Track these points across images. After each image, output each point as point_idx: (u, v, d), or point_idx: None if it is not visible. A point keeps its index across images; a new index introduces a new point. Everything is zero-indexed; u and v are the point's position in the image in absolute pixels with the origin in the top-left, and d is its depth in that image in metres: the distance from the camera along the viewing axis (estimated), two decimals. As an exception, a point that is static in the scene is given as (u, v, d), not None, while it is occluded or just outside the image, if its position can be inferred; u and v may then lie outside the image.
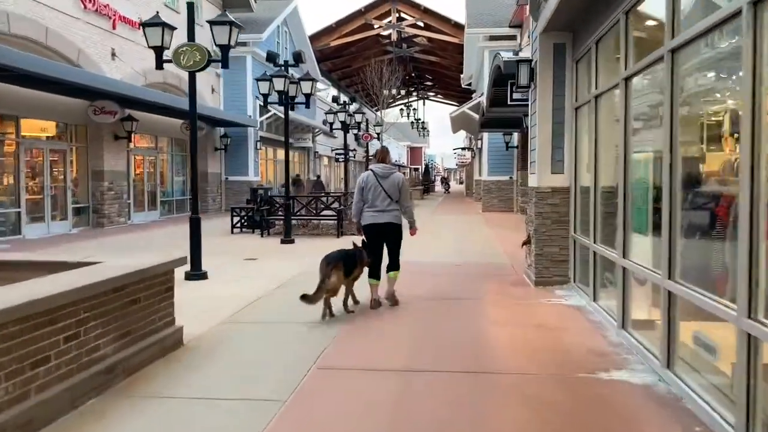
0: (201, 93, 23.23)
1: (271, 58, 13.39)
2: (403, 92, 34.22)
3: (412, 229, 7.03)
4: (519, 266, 9.66)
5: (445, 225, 17.97)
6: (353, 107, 21.80)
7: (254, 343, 5.54)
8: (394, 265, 6.79)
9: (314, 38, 34.21)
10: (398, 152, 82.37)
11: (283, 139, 29.84)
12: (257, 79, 13.40)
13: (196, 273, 8.75)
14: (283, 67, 13.30)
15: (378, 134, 24.96)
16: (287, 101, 13.58)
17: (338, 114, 19.25)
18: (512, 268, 9.71)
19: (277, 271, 9.66)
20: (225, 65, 8.95)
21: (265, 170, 28.79)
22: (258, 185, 19.72)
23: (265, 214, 15.22)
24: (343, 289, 6.45)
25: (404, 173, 72.56)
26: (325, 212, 15.87)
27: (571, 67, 7.90)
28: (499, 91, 14.88)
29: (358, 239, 6.94)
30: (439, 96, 60.16)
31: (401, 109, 49.71)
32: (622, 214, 5.57)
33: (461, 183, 79.54)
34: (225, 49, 8.77)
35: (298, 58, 13.40)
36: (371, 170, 6.70)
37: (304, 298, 5.90)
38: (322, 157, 40.72)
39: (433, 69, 46.32)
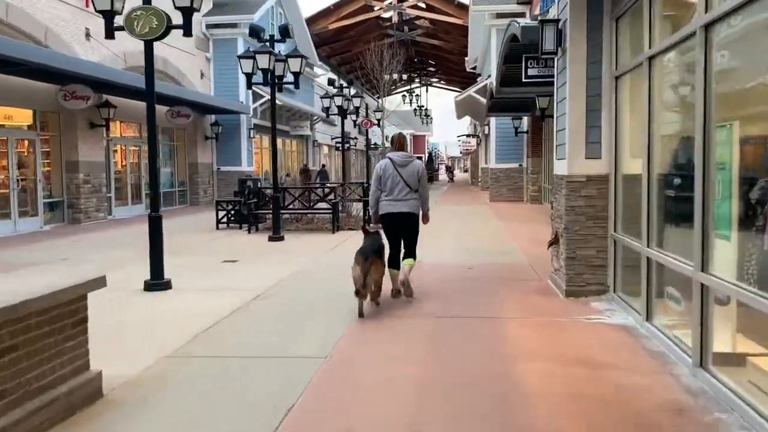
0: (188, 77, 21.78)
1: (255, 32, 11.88)
2: (405, 77, 32.66)
3: (425, 218, 6.83)
4: (540, 268, 8.22)
5: (452, 217, 16.49)
6: (351, 91, 20.32)
7: (205, 396, 4.09)
8: (410, 254, 6.64)
9: (311, 21, 32.60)
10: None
11: (279, 126, 28.40)
12: (239, 57, 11.92)
13: (157, 282, 7.33)
14: (268, 43, 11.80)
15: (378, 121, 23.48)
16: (273, 81, 12.12)
17: (335, 99, 17.80)
18: (533, 271, 8.26)
19: (257, 276, 8.24)
20: (188, 32, 7.48)
21: (260, 160, 27.34)
22: (247, 176, 18.30)
23: (252, 207, 13.78)
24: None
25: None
26: (321, 205, 14.46)
27: (610, 26, 6.40)
28: (511, 68, 13.37)
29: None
30: (442, 82, 58.49)
31: (403, 96, 48.05)
32: (700, 210, 4.10)
33: (465, 171, 77.95)
34: (187, 13, 7.29)
35: (285, 31, 11.88)
36: (389, 158, 6.50)
37: (357, 294, 5.84)
38: (322, 145, 39.22)
39: (436, 53, 44.65)
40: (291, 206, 14.19)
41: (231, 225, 14.60)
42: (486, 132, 24.64)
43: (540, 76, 11.72)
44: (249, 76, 11.97)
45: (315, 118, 33.73)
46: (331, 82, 18.88)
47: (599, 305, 6.23)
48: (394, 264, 6.62)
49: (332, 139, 40.11)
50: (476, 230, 13.55)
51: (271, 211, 13.80)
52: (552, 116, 15.77)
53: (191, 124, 22.46)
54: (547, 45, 6.88)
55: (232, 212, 14.62)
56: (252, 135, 24.39)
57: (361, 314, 5.84)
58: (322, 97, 18.49)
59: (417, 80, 56.88)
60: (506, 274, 8.17)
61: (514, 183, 22.85)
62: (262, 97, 24.51)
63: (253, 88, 24.40)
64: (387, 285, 6.56)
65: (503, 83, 14.26)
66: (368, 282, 5.85)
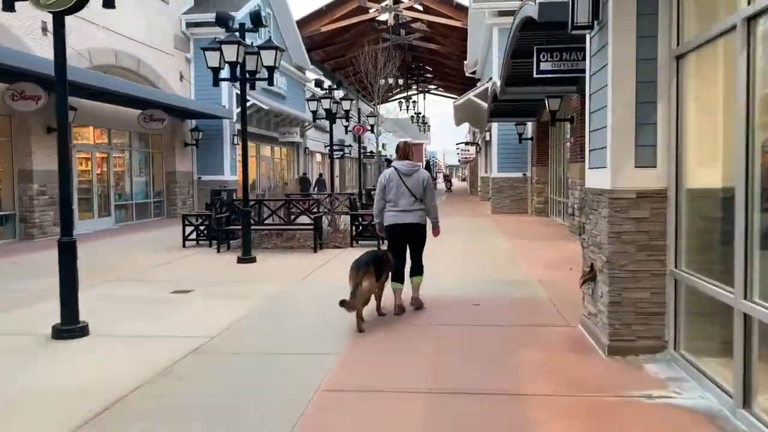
0: (166, 79, 20.11)
1: (223, 20, 10.21)
2: (401, 82, 31.09)
3: (435, 230, 6.70)
4: (566, 307, 6.50)
5: (451, 232, 14.73)
6: (339, 93, 18.72)
7: None
8: (417, 269, 6.53)
9: (303, 23, 31.01)
10: (398, 149, 79.27)
11: (266, 133, 26.68)
12: (204, 49, 10.21)
13: (68, 329, 5.60)
14: (238, 33, 10.12)
15: (372, 126, 21.84)
16: (244, 77, 10.42)
17: (322, 101, 16.15)
18: (556, 311, 6.53)
19: (208, 314, 6.52)
20: (109, 4, 5.78)
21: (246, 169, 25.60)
22: (221, 186, 16.57)
23: (223, 222, 12.06)
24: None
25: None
26: (306, 218, 12.74)
27: (669, -12, 4.72)
28: (519, 65, 11.72)
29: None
30: (440, 89, 56.98)
31: (400, 102, 46.47)
32: None
33: (463, 180, 76.32)
34: (108, -23, 5.59)
35: (257, 19, 10.20)
36: (394, 168, 6.35)
37: (342, 304, 5.58)
38: (314, 153, 37.56)
39: (433, 59, 43.12)
40: (269, 220, 12.48)
41: (201, 242, 12.87)
42: (487, 139, 23.01)
43: (554, 71, 10.05)
44: (216, 71, 10.27)
45: (306, 124, 32.05)
46: (318, 84, 17.20)
47: (657, 370, 4.51)
48: (399, 278, 6.41)
49: (325, 146, 38.40)
50: (479, 249, 11.83)
51: (258, 226, 12.12)
52: (563, 120, 14.15)
53: (169, 130, 20.78)
54: (579, 17, 5.19)
55: (203, 228, 12.89)
56: (236, 141, 22.68)
57: (360, 330, 5.70)
58: (308, 100, 16.81)
59: (414, 87, 55.43)
60: (523, 315, 6.44)
61: (517, 194, 21.16)
62: (247, 100, 22.80)
63: (238, 91, 22.82)
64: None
65: (509, 82, 12.59)
66: (357, 294, 5.63)
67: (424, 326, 5.96)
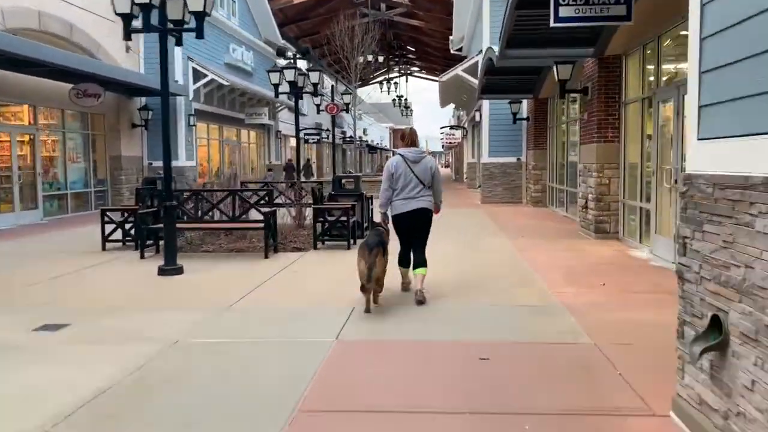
0: (107, 49, 17.33)
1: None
2: (381, 60, 28.47)
3: (436, 210, 6.39)
4: (625, 359, 4.10)
5: (439, 229, 12.34)
6: (305, 64, 16.24)
7: None
8: (421, 261, 6.24)
9: (273, -6, 28.26)
10: (380, 134, 76.73)
11: (230, 113, 23.94)
12: (108, -12, 7.62)
13: None
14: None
15: (347, 105, 19.27)
16: (165, 26, 7.85)
17: (285, 72, 13.61)
18: (617, 375, 4.06)
19: (46, 387, 4.01)
20: None
21: (207, 154, 22.95)
22: (157, 173, 13.95)
23: (150, 220, 9.50)
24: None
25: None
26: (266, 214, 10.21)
27: None
28: (525, 21, 9.28)
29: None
30: (423, 72, 54.41)
31: (380, 83, 43.86)
32: None
33: (447, 166, 73.86)
34: None
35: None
36: (401, 155, 6.13)
37: (363, 290, 5.60)
38: (288, 137, 34.84)
39: (416, 37, 40.51)
40: (212, 217, 9.94)
41: (129, 243, 10.31)
42: (476, 119, 20.58)
43: (578, 18, 7.60)
44: (127, 19, 7.69)
45: (279, 105, 29.38)
46: (281, 53, 14.59)
47: None
48: (404, 262, 6.43)
49: (301, 130, 35.77)
50: (476, 254, 9.40)
51: (189, 224, 9.60)
52: (575, 91, 11.67)
53: (112, 109, 18.06)
54: None
55: (130, 226, 10.31)
56: (193, 122, 20.00)
57: (368, 310, 5.66)
58: (269, 71, 14.22)
59: (396, 69, 52.80)
60: (564, 384, 3.97)
61: (510, 181, 18.77)
62: (205, 76, 20.15)
63: (194, 65, 20.12)
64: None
65: (511, 43, 10.11)
66: (372, 275, 5.49)
67: (401, 407, 3.52)
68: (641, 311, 5.62)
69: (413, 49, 46.27)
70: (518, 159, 18.66)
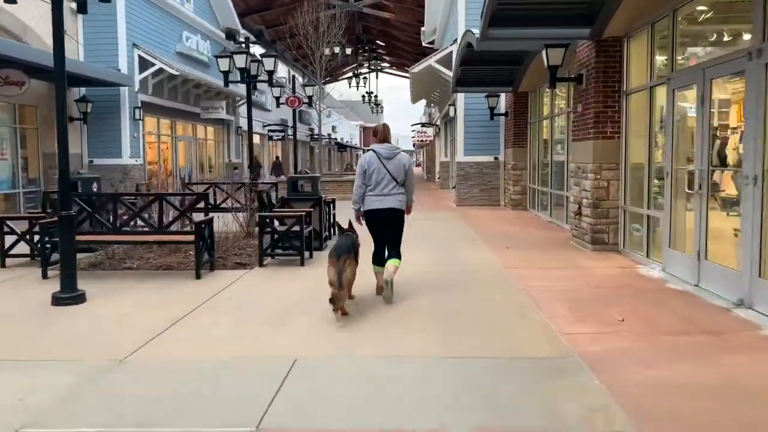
0: (38, 33, 15.33)
1: None
2: (349, 52, 26.77)
3: (408, 210, 6.28)
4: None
5: (409, 236, 10.81)
6: (258, 49, 14.55)
7: None
8: (395, 254, 6.16)
9: (233, -20, 26.33)
10: (350, 132, 74.97)
11: (183, 107, 22.01)
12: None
13: None
14: None
15: (310, 98, 17.53)
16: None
17: (235, 58, 11.86)
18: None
19: None
20: None
21: (158, 151, 21.00)
22: (77, 172, 12.04)
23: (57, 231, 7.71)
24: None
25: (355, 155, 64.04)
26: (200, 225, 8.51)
27: None
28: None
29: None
30: (394, 68, 52.87)
31: (349, 78, 42.22)
32: None
33: (417, 165, 72.36)
34: None
35: None
36: (373, 150, 6.09)
37: (332, 302, 5.21)
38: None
39: (386, 30, 38.96)
40: (133, 226, 8.19)
41: (36, 258, 8.50)
42: (451, 114, 19.08)
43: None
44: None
45: (239, 99, 27.52)
46: (230, 36, 12.79)
47: None
48: (379, 261, 6.26)
49: (265, 126, 33.96)
50: (455, 272, 7.85)
51: (96, 237, 7.86)
52: (567, 79, 10.06)
53: (46, 99, 16.07)
54: None
55: (36, 236, 8.50)
56: (139, 116, 18.08)
57: (344, 313, 5.40)
58: (217, 56, 12.47)
59: (366, 65, 51.13)
60: None
61: (487, 182, 17.30)
62: (152, 65, 18.25)
63: (141, 53, 18.21)
64: None
65: (495, 21, 8.59)
66: (342, 281, 5.28)
67: None
68: (686, 366, 4.13)
69: (383, 44, 44.75)
70: (496, 158, 17.21)
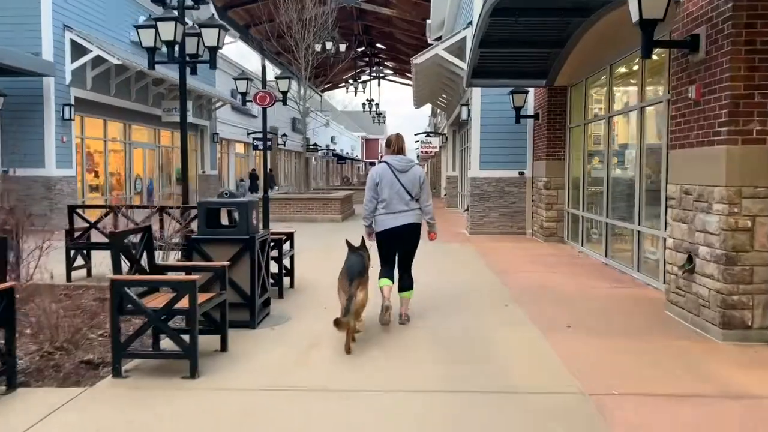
0: None
1: None
2: (343, 49, 23.11)
3: (432, 233, 5.82)
4: None
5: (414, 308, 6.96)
6: (196, 15, 10.85)
7: None
8: (407, 282, 5.73)
9: (210, -35, 22.68)
10: (351, 143, 71.44)
11: (139, 108, 18.08)
12: None
13: None
14: None
15: (285, 95, 13.75)
16: None
17: (160, 28, 8.16)
18: None
19: None
20: None
21: (104, 160, 17.21)
22: None
23: None
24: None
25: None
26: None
27: None
28: None
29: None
30: (396, 75, 49.28)
31: (347, 83, 38.60)
32: None
33: (422, 179, 68.11)
34: None
35: None
36: (386, 163, 5.64)
37: (337, 324, 4.72)
38: (232, 142, 29.28)
39: (387, 31, 35.39)
40: None
41: None
42: (464, 117, 15.26)
43: None
44: None
45: (216, 102, 23.84)
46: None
47: None
48: (389, 276, 5.70)
49: (249, 134, 30.23)
50: (490, 404, 3.97)
51: None
52: (674, 44, 5.77)
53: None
54: None
55: None
56: (70, 116, 14.33)
57: (348, 351, 4.84)
58: (137, 27, 8.78)
59: (367, 71, 47.57)
60: None
61: (510, 203, 13.44)
62: (88, 51, 14.52)
63: (74, 36, 14.49)
64: None
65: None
66: (351, 308, 4.83)
67: None
68: None
69: (384, 47, 41.19)
70: (521, 173, 13.35)
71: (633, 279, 8.01)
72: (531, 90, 12.76)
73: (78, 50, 14.46)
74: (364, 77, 47.37)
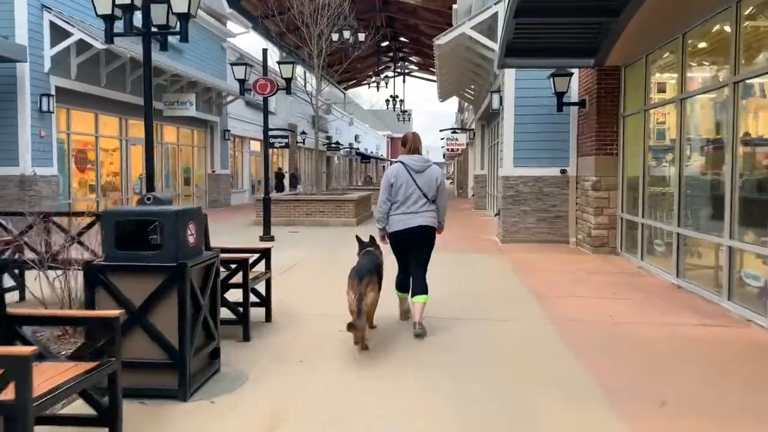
0: None
1: None
2: (362, 38, 21.28)
3: (440, 229, 5.53)
4: None
5: (415, 349, 5.14)
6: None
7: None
8: (421, 287, 5.32)
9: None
10: (376, 143, 69.72)
11: (138, 101, 16.62)
12: None
13: None
14: None
15: (288, 82, 11.87)
16: None
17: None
18: None
19: None
20: None
21: (96, 157, 15.63)
22: None
23: None
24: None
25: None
26: None
27: None
28: None
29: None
30: (420, 71, 47.32)
31: (369, 76, 36.80)
32: None
33: (448, 179, 65.92)
34: None
35: None
36: (402, 163, 5.37)
37: (351, 328, 4.45)
38: (246, 140, 27.68)
39: (413, 24, 33.52)
40: None
41: None
42: (495, 106, 13.25)
43: None
44: None
45: (226, 95, 22.21)
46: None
47: None
48: (404, 287, 5.60)
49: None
50: None
51: None
52: None
53: None
54: None
55: None
56: (48, 107, 12.75)
57: (365, 347, 4.64)
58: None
59: (392, 68, 45.70)
60: None
61: (550, 207, 11.44)
62: (70, 35, 12.93)
63: (53, 17, 12.90)
64: None
65: None
66: (363, 308, 4.55)
67: None
68: None
69: (408, 40, 39.32)
70: (563, 171, 11.35)
71: (724, 311, 6.00)
72: (576, 72, 10.76)
73: (59, 34, 12.88)
74: (389, 73, 45.60)
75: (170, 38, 7.84)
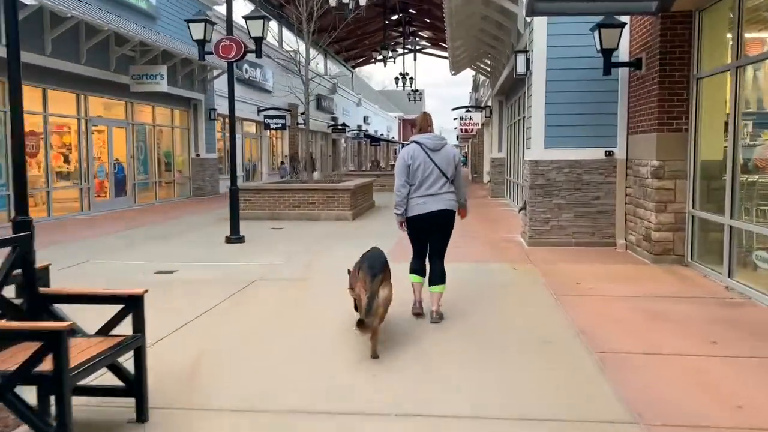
0: None
1: None
2: (363, 2, 18.61)
3: (463, 211, 5.37)
4: None
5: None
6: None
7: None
8: (439, 276, 5.16)
9: None
10: (387, 124, 67.07)
11: (101, 75, 13.83)
12: None
13: None
14: None
15: (258, 43, 9.38)
16: None
17: None
18: None
19: None
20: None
21: (45, 142, 13.26)
22: None
23: None
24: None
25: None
26: None
27: None
28: None
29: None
30: (432, 47, 44.49)
31: (375, 51, 34.14)
32: None
33: (464, 163, 62.59)
34: None
35: None
36: (416, 142, 5.14)
37: (360, 324, 4.03)
38: (239, 120, 25.15)
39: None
40: None
41: None
42: (520, 70, 10.59)
43: None
44: None
45: (210, 69, 19.74)
46: None
47: None
48: (420, 270, 5.27)
49: (259, 112, 26.17)
50: None
51: None
52: None
53: None
54: None
55: None
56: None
57: (375, 355, 4.19)
58: None
59: (402, 44, 42.91)
60: None
61: (592, 199, 8.91)
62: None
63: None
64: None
65: None
66: (375, 307, 4.16)
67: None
68: None
69: (415, 12, 36.52)
70: (609, 153, 8.79)
71: None
72: (627, 22, 8.18)
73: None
74: (399, 49, 42.83)
75: (143, 2, 5.38)
